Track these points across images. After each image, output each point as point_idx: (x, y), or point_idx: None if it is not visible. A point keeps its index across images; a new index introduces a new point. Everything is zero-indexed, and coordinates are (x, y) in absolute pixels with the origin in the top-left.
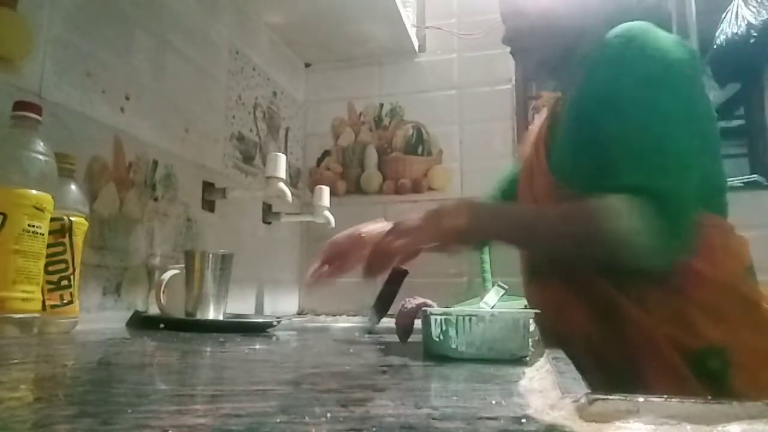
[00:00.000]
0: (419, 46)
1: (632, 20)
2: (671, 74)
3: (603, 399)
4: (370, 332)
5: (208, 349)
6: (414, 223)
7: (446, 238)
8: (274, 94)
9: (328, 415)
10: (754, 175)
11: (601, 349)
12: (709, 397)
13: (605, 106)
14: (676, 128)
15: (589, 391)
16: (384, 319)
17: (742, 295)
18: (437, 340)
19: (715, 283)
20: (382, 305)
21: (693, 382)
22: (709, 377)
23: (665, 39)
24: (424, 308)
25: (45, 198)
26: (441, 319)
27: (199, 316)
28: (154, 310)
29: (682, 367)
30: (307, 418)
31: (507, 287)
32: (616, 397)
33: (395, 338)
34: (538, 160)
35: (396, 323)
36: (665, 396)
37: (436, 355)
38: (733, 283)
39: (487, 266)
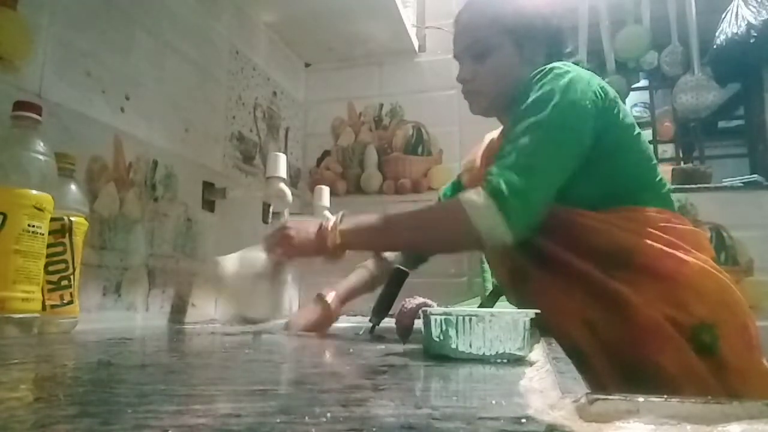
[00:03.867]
0: (419, 46)
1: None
2: (564, 103)
3: (603, 399)
4: (370, 332)
5: None
6: (299, 241)
7: (322, 254)
8: (274, 94)
9: (328, 415)
10: (754, 175)
11: (605, 334)
12: (709, 398)
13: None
14: (544, 142)
15: (589, 391)
16: (384, 319)
17: (718, 279)
18: (437, 340)
19: (696, 268)
20: (383, 305)
21: (692, 354)
22: (704, 350)
23: (576, 78)
24: (424, 308)
25: (45, 198)
26: (441, 319)
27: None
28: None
29: (680, 341)
30: (307, 418)
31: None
32: (616, 397)
33: (395, 338)
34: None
35: (396, 323)
36: (665, 396)
37: (436, 355)
38: (709, 269)
39: (487, 266)
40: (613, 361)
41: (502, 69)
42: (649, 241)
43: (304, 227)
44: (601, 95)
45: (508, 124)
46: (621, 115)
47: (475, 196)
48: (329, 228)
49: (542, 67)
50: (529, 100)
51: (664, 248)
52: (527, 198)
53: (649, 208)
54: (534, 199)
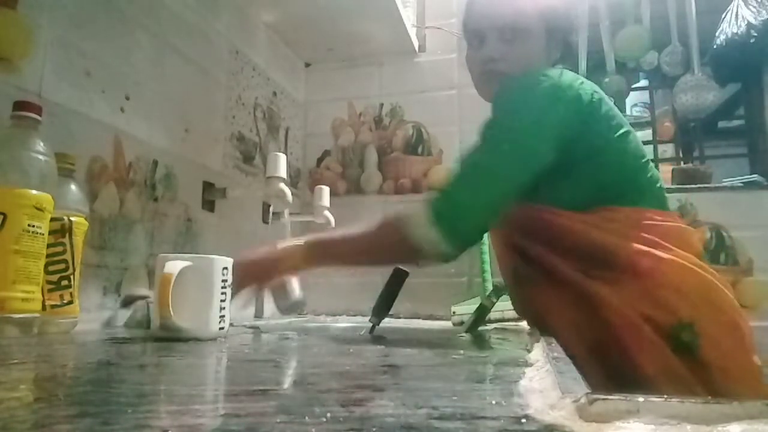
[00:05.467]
0: (419, 46)
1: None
2: (528, 115)
3: (603, 399)
4: (370, 332)
5: None
6: (260, 267)
7: (289, 273)
8: (274, 94)
9: (328, 415)
10: (754, 175)
11: (588, 335)
12: (709, 398)
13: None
14: (497, 160)
15: (589, 391)
16: (384, 319)
17: (700, 277)
18: None
19: (676, 266)
20: (383, 305)
21: (670, 354)
22: (684, 349)
23: (548, 82)
24: None
25: (45, 198)
26: None
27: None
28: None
29: (659, 341)
30: (307, 418)
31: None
32: (616, 397)
33: (395, 338)
34: None
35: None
36: (665, 396)
37: None
38: (690, 267)
39: (487, 266)
40: (599, 362)
41: (531, 55)
42: (627, 241)
43: (257, 254)
44: (577, 102)
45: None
46: (604, 118)
47: (415, 211)
48: (287, 250)
49: (519, 75)
50: (494, 113)
51: (643, 247)
52: (462, 215)
53: (631, 207)
54: (470, 216)
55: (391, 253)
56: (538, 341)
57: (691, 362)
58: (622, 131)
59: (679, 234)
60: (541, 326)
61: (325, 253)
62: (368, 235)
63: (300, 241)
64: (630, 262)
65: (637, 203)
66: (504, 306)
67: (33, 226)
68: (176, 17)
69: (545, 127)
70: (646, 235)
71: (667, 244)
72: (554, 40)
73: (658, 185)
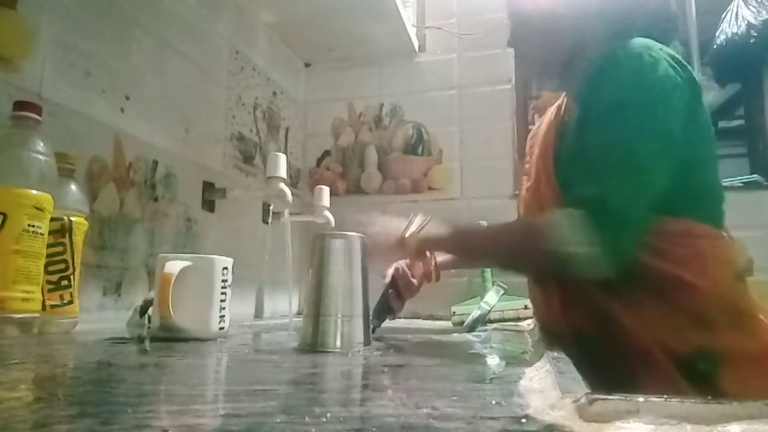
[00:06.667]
0: (419, 46)
1: (635, 23)
2: (658, 100)
3: (603, 399)
4: (371, 333)
5: None
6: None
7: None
8: (274, 94)
9: (328, 415)
10: (754, 175)
11: (596, 350)
12: (709, 398)
13: (591, 122)
14: (644, 150)
15: (589, 391)
16: (385, 320)
17: (732, 304)
18: None
19: (705, 293)
20: (384, 307)
21: (682, 382)
22: (699, 378)
23: (663, 63)
24: None
25: (45, 198)
26: None
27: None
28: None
29: (671, 368)
30: (307, 418)
31: (506, 287)
32: (616, 397)
33: (395, 338)
34: (546, 170)
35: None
36: (665, 396)
37: None
38: (723, 292)
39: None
40: (603, 381)
41: (541, 33)
42: (657, 259)
43: (385, 229)
44: (693, 81)
45: (578, 112)
46: (705, 105)
47: (561, 217)
48: (408, 235)
49: (624, 51)
50: (607, 91)
51: (672, 267)
52: (624, 226)
53: (674, 217)
54: (631, 227)
55: (536, 266)
56: (538, 342)
57: (708, 391)
58: (712, 128)
59: (716, 252)
60: (550, 329)
61: (466, 247)
62: (514, 240)
63: (440, 226)
64: (653, 284)
65: (686, 214)
66: (504, 306)
67: (33, 226)
68: (176, 17)
69: (678, 110)
70: (680, 252)
71: (701, 264)
72: (557, 33)
73: (715, 196)
